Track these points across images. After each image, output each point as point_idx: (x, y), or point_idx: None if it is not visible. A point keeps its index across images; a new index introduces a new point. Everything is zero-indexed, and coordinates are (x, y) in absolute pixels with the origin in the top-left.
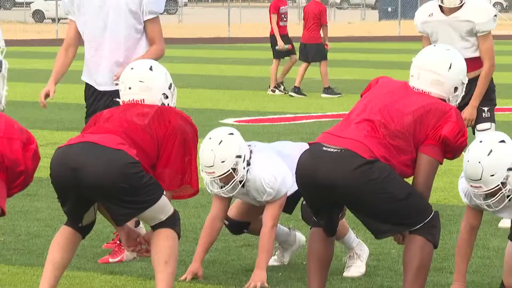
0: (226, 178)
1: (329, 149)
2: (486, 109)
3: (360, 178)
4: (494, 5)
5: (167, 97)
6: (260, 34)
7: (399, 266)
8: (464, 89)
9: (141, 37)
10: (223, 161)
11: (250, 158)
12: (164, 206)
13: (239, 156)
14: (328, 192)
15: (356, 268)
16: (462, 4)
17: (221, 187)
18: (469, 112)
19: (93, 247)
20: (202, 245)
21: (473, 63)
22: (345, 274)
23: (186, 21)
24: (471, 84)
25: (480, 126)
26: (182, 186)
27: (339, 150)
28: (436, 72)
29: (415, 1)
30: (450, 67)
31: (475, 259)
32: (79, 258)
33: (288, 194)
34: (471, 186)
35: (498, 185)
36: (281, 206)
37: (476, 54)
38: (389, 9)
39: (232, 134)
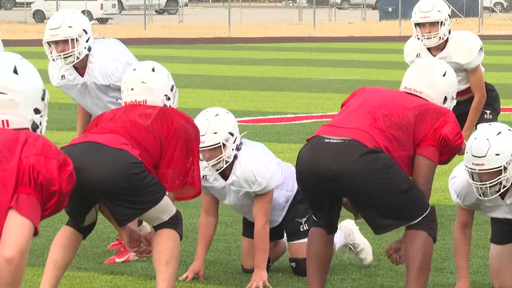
0: (213, 152)
1: (331, 141)
2: (488, 111)
3: (364, 168)
4: (494, 5)
5: (169, 98)
6: (261, 34)
7: (399, 266)
8: (452, 106)
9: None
10: (216, 133)
11: (240, 146)
12: (167, 206)
13: (231, 134)
14: (332, 183)
15: (364, 252)
16: (446, 40)
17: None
18: None
19: (94, 247)
20: (201, 243)
21: (467, 91)
22: (365, 262)
23: (187, 21)
24: (466, 104)
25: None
26: (185, 186)
27: (342, 141)
28: (431, 74)
29: (415, 1)
30: (444, 74)
31: (475, 259)
32: (79, 258)
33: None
34: (473, 164)
35: (500, 166)
36: (270, 201)
37: (468, 85)
38: (390, 9)
39: (228, 113)
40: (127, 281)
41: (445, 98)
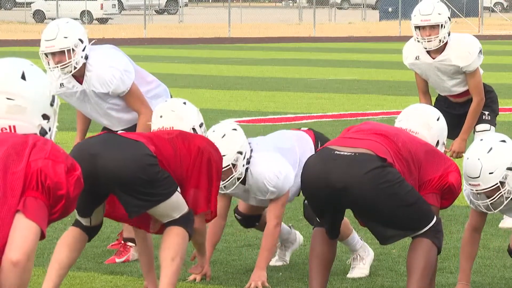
0: (225, 173)
1: (342, 153)
2: (486, 113)
3: (373, 182)
4: (494, 5)
5: (196, 133)
6: (261, 34)
7: (399, 266)
8: (443, 151)
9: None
10: (224, 155)
11: (250, 156)
12: (178, 204)
13: (240, 152)
14: (340, 195)
15: (359, 270)
16: (445, 43)
17: None
18: (458, 144)
19: (94, 247)
20: (208, 245)
21: (466, 93)
22: (349, 275)
23: (187, 21)
24: (465, 106)
25: (479, 127)
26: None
27: (352, 154)
28: (426, 117)
29: (415, 1)
30: (438, 119)
31: (476, 259)
32: (79, 258)
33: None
34: (470, 184)
35: (497, 183)
36: (284, 204)
37: (467, 88)
38: (390, 9)
39: (235, 129)
40: (127, 281)
41: (437, 142)
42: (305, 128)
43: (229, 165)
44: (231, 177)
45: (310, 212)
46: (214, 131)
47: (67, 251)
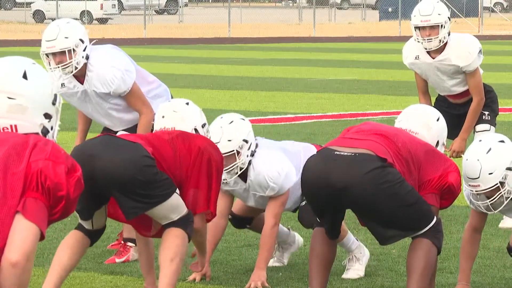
0: (228, 159)
1: (342, 153)
2: (486, 113)
3: (373, 182)
4: (494, 5)
5: (198, 133)
6: (261, 34)
7: (399, 266)
8: (443, 151)
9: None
10: (230, 140)
11: (255, 150)
12: (177, 206)
13: (245, 141)
14: (340, 195)
15: (354, 271)
16: (445, 42)
17: None
18: (458, 144)
19: (94, 247)
20: (209, 245)
21: (466, 93)
22: (344, 276)
23: (187, 21)
24: (465, 106)
25: (479, 127)
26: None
27: (353, 154)
28: (426, 117)
29: (415, 1)
30: (438, 119)
31: (476, 259)
32: None
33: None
34: (469, 185)
35: (496, 184)
36: (283, 204)
37: (467, 87)
38: (390, 9)
39: (243, 119)
40: (127, 281)
41: (437, 143)
42: (315, 144)
43: (233, 150)
44: (234, 165)
45: (304, 215)
46: (222, 117)
47: (69, 254)
